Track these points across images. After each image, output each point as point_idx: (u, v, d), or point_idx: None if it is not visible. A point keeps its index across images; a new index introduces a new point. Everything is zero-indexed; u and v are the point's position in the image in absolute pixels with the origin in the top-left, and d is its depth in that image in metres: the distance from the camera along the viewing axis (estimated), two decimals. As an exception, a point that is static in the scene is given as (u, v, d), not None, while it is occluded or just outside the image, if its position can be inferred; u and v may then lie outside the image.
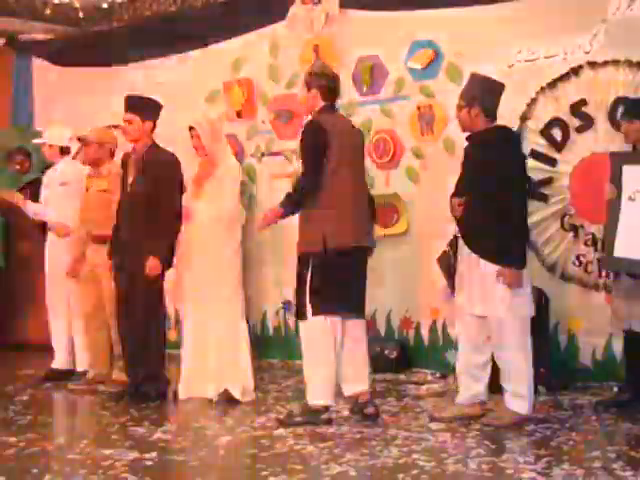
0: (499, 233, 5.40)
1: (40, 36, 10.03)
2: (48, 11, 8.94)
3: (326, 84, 5.73)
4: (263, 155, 8.60)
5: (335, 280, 5.50)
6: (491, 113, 5.61)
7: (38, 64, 10.04)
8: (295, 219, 5.75)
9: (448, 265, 6.31)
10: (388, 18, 7.91)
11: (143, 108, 6.42)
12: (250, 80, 8.71)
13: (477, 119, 5.57)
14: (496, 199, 5.39)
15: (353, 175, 5.66)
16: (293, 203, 5.63)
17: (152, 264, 6.28)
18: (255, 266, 8.49)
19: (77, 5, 8.68)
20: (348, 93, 8.08)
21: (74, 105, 9.32)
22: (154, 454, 5.00)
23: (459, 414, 5.73)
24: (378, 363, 7.28)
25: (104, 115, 8.64)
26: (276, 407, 6.28)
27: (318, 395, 5.65)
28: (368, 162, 7.78)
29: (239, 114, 8.75)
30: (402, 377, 7.41)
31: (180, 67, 9.14)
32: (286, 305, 8.35)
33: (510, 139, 5.69)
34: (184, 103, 8.67)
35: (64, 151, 7.66)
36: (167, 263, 6.43)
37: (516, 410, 5.56)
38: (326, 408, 5.69)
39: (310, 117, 5.80)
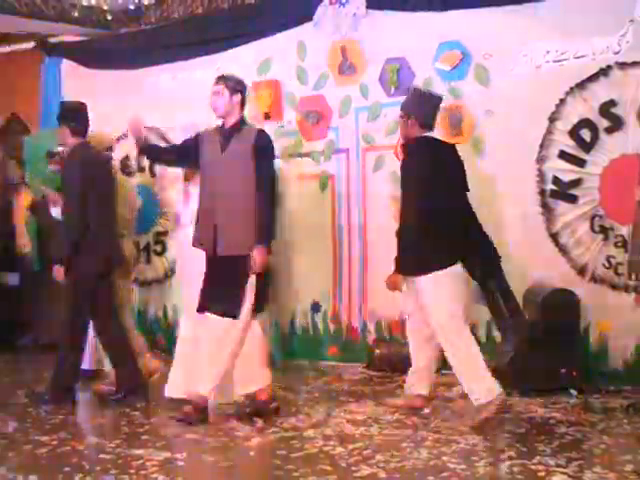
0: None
1: (69, 38, 10.06)
2: (76, 13, 8.94)
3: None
4: (300, 156, 8.55)
5: None
6: (426, 123, 6.03)
7: (67, 66, 10.05)
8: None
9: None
10: (416, 19, 7.91)
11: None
12: (277, 81, 8.71)
13: (413, 129, 6.02)
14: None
15: None
16: None
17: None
18: (285, 267, 8.48)
19: (105, 7, 8.68)
20: (375, 95, 8.12)
21: (103, 107, 9.32)
22: (185, 454, 5.02)
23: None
24: (406, 366, 7.22)
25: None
26: (305, 408, 6.28)
27: None
28: (397, 163, 7.89)
29: (266, 115, 8.76)
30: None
31: (208, 69, 8.98)
32: (315, 306, 8.36)
33: (423, 146, 5.97)
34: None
35: None
36: None
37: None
38: None
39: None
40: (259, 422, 5.84)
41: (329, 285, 8.30)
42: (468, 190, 6.09)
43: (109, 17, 9.22)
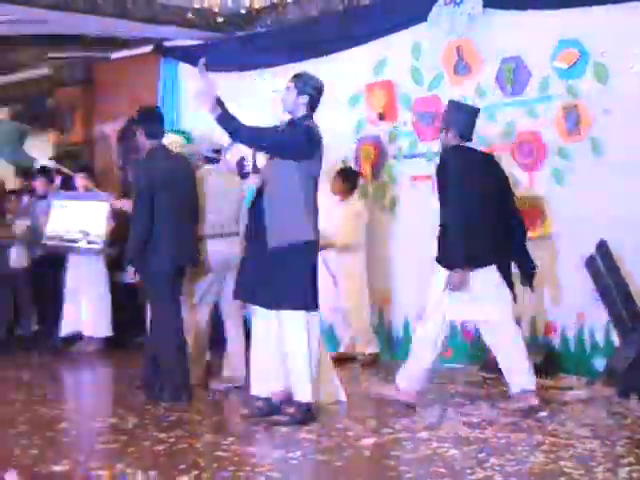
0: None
1: (186, 42, 10.23)
2: (191, 15, 9.08)
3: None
4: (414, 157, 8.53)
5: None
6: (464, 134, 6.36)
7: (184, 69, 10.18)
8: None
9: (596, 269, 6.27)
10: (532, 17, 7.79)
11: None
12: (392, 82, 8.70)
13: (452, 140, 6.34)
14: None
15: None
16: None
17: None
18: (395, 269, 8.51)
19: (216, 10, 8.80)
20: (491, 94, 8.04)
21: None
22: (298, 453, 5.05)
23: None
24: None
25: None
26: (418, 410, 6.26)
27: None
28: (512, 163, 7.83)
29: (381, 116, 8.76)
30: (547, 382, 7.23)
31: (322, 70, 9.05)
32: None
33: (452, 157, 6.25)
34: (326, 106, 8.67)
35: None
36: None
37: None
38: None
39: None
40: (372, 422, 5.81)
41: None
42: (509, 197, 6.40)
43: (219, 20, 9.30)
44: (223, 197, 7.38)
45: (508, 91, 7.96)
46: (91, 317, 9.39)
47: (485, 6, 8.02)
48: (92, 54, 11.35)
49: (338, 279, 8.41)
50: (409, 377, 6.39)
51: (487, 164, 6.42)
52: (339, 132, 8.62)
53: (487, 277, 6.13)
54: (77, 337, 9.56)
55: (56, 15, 9.09)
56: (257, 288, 5.94)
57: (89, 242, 9.13)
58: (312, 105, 6.12)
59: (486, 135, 7.99)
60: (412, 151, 8.56)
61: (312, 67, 8.66)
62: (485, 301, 6.13)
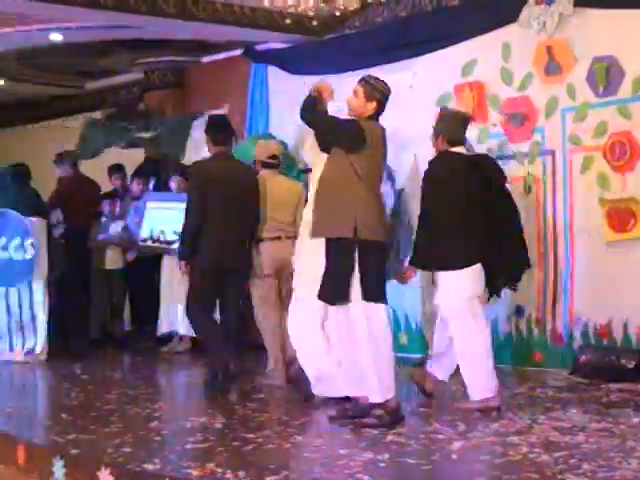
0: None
1: (276, 45, 10.31)
2: (287, 20, 9.14)
3: None
4: (504, 158, 8.40)
5: None
6: (454, 140, 6.46)
7: (274, 73, 10.30)
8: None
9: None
10: (625, 16, 7.68)
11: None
12: (481, 83, 8.65)
13: (443, 146, 6.46)
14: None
15: None
16: None
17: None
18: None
19: (311, 14, 8.84)
20: (583, 95, 7.95)
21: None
22: (387, 456, 5.02)
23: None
24: (614, 373, 7.14)
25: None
26: (508, 414, 6.19)
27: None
28: (604, 164, 7.75)
29: (470, 118, 8.68)
30: (640, 388, 7.16)
31: (411, 71, 9.16)
32: (519, 310, 8.27)
33: (437, 163, 6.44)
34: (414, 107, 8.78)
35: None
36: None
37: None
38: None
39: None
40: (461, 426, 5.78)
41: (533, 289, 8.15)
42: (500, 194, 6.47)
43: (314, 23, 9.34)
44: (282, 201, 7.56)
45: (600, 91, 7.84)
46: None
47: (576, 5, 7.93)
48: (183, 58, 11.59)
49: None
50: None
51: (471, 167, 6.44)
52: (427, 133, 8.57)
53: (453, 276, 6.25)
54: (171, 336, 9.73)
55: (149, 20, 9.25)
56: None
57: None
58: (379, 111, 5.98)
59: (577, 135, 7.93)
60: (502, 152, 8.48)
61: (401, 68, 8.99)
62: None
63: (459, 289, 6.23)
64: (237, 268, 7.35)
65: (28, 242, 8.99)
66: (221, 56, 11.33)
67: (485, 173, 6.48)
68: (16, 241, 9.04)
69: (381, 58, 9.15)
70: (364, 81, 5.95)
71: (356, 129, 5.80)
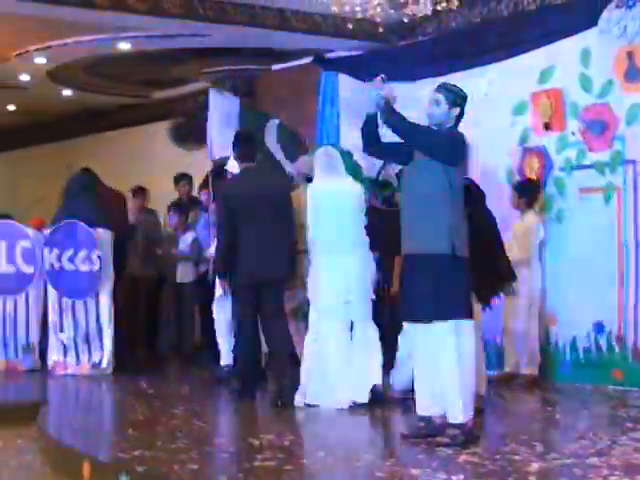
0: None
1: (345, 53, 10.32)
2: (350, 26, 9.14)
3: None
4: (583, 168, 8.38)
5: None
6: None
7: (344, 81, 10.20)
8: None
9: None
10: None
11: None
12: (559, 90, 8.56)
13: None
14: None
15: None
16: None
17: None
18: (563, 286, 8.37)
19: (378, 20, 8.83)
20: (665, 101, 7.79)
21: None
22: (462, 476, 4.97)
23: None
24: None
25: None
26: (589, 434, 6.07)
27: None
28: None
29: (547, 126, 8.63)
30: None
31: (486, 79, 9.10)
32: (598, 326, 8.15)
33: None
34: (489, 115, 8.75)
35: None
36: None
37: None
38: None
39: None
40: (538, 446, 5.68)
41: (614, 304, 8.03)
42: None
43: (380, 30, 9.31)
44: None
45: (685, 96, 7.69)
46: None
47: (659, 8, 7.79)
48: (252, 66, 11.67)
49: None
50: None
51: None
52: (502, 142, 8.73)
53: None
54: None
55: (217, 29, 9.30)
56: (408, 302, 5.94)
57: None
58: (460, 118, 5.95)
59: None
60: (581, 162, 8.39)
61: (476, 76, 8.93)
62: None
63: None
64: (273, 281, 7.44)
65: (95, 254, 9.08)
66: (291, 64, 11.37)
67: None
68: (83, 253, 9.13)
69: (455, 65, 9.14)
70: (444, 88, 5.91)
71: (459, 142, 5.84)
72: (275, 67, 11.70)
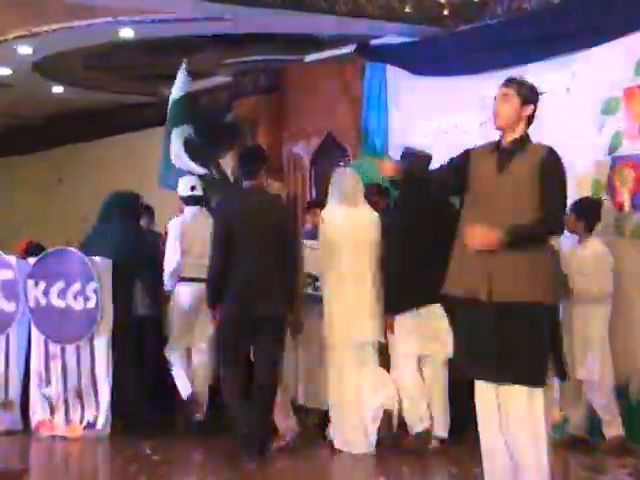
0: None
1: (395, 40, 10.25)
2: (408, 9, 9.01)
3: None
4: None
5: None
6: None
7: (393, 73, 10.23)
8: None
9: None
10: None
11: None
12: (660, 85, 8.40)
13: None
14: None
15: None
16: None
17: None
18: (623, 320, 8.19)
19: (442, 1, 8.68)
20: None
21: (439, 122, 9.36)
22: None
23: None
24: None
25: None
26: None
27: None
28: None
29: (645, 127, 8.47)
30: None
31: (567, 71, 9.02)
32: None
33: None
34: (571, 116, 8.72)
35: None
36: None
37: None
38: None
39: None
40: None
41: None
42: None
43: (446, 12, 9.32)
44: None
45: None
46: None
47: None
48: (281, 57, 11.71)
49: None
50: None
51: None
52: (587, 150, 8.69)
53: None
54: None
55: (241, 11, 9.30)
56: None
57: (316, 288, 8.92)
58: (532, 118, 5.87)
59: None
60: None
61: (555, 68, 8.99)
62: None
63: None
64: (270, 316, 7.66)
65: (90, 287, 8.82)
66: (328, 54, 11.34)
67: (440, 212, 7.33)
68: (76, 286, 8.89)
69: (529, 55, 9.07)
70: (514, 82, 5.85)
71: None
72: (308, 58, 11.71)
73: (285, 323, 7.83)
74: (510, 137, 5.80)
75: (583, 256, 8.10)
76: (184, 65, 10.22)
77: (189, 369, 8.93)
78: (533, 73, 8.56)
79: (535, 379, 5.61)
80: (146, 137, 14.12)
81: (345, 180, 7.97)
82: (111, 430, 8.84)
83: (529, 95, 5.80)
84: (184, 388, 8.86)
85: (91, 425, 8.83)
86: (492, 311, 5.60)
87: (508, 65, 9.08)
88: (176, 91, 10.25)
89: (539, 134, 5.93)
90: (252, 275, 7.60)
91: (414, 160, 7.49)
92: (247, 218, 7.66)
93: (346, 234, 7.84)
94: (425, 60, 9.94)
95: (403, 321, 7.76)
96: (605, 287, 8.03)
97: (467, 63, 9.53)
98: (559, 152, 5.88)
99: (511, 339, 5.58)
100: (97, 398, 8.83)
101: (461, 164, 5.95)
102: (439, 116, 9.71)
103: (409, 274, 7.69)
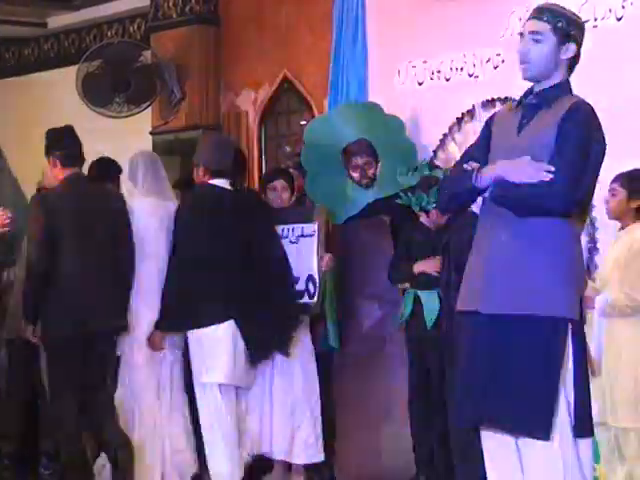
0: None
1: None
2: None
3: None
4: None
5: None
6: (214, 170, 7.36)
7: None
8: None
9: None
10: None
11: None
12: None
13: (204, 177, 7.47)
14: None
15: None
16: None
17: None
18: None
19: None
20: None
21: (437, 62, 8.41)
22: None
23: None
24: None
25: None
26: None
27: None
28: None
29: None
30: None
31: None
32: None
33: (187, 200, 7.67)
34: (629, 66, 7.57)
35: None
36: None
37: None
38: None
39: None
40: None
41: None
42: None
43: None
44: None
45: None
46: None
47: None
48: None
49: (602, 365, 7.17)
50: None
51: (236, 202, 7.37)
52: None
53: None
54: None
55: None
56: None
57: (310, 295, 8.17)
58: (575, 62, 5.25)
59: None
60: None
61: None
62: None
63: None
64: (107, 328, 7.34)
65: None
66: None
67: (251, 212, 7.52)
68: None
69: None
70: (547, 11, 5.22)
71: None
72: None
73: None
74: (542, 86, 5.24)
75: (624, 248, 7.02)
76: None
77: None
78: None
79: (536, 427, 5.09)
80: (34, 83, 12.99)
81: None
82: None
83: (568, 30, 5.21)
84: None
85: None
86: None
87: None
88: None
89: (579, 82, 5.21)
90: (80, 284, 7.20)
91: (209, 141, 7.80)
92: (71, 218, 7.24)
93: None
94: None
95: None
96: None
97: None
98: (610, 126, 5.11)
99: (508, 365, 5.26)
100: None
101: (484, 138, 5.44)
102: (438, 54, 8.42)
103: None
